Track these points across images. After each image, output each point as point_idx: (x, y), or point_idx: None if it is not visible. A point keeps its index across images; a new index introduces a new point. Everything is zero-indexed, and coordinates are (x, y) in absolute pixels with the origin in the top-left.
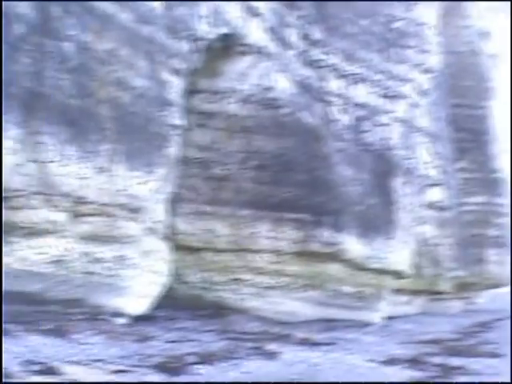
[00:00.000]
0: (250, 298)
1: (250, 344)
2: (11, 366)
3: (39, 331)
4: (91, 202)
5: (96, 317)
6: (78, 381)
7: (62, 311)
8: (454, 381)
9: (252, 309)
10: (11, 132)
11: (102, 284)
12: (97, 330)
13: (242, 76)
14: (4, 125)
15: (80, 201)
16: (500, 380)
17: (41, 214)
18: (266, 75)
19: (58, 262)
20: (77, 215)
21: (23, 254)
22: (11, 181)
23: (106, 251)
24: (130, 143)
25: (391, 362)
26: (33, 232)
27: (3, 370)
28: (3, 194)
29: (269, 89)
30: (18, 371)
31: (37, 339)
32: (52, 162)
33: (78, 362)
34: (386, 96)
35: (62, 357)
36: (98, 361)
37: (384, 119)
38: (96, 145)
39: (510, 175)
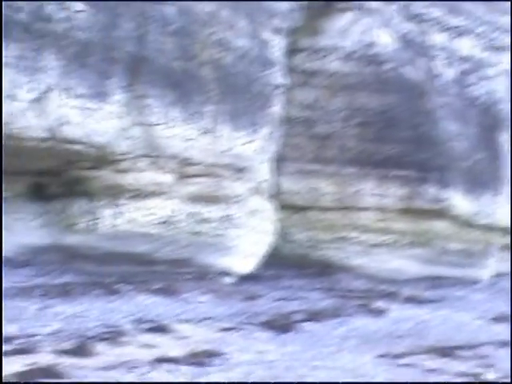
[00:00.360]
0: (355, 255)
1: (356, 302)
2: (123, 324)
3: (149, 291)
4: (197, 163)
5: (203, 276)
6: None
7: (170, 271)
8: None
9: (358, 267)
10: (116, 97)
11: (208, 244)
12: (205, 289)
13: (344, 33)
14: (109, 89)
15: (186, 162)
16: None
17: (147, 177)
18: (368, 31)
19: (165, 222)
20: (183, 176)
21: (131, 216)
22: (117, 145)
23: (212, 211)
24: (234, 104)
25: (500, 319)
26: (140, 194)
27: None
28: (110, 158)
29: (371, 45)
30: (130, 329)
31: (147, 298)
32: (157, 124)
33: (187, 321)
34: (491, 48)
35: (171, 315)
36: (207, 319)
37: (490, 72)
38: (200, 106)
39: None
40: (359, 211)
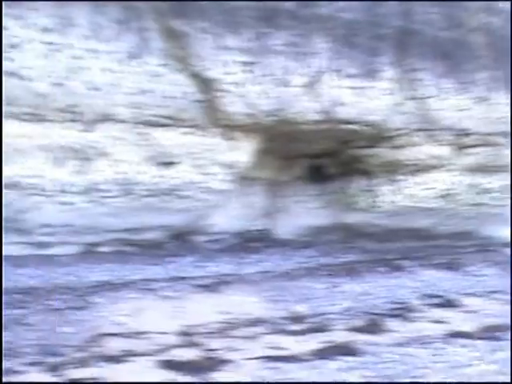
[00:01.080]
0: None
1: None
2: (410, 299)
3: (432, 265)
4: (473, 133)
5: (487, 248)
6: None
7: (452, 244)
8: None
9: None
10: (387, 73)
11: (490, 214)
12: (489, 261)
13: None
14: (379, 67)
15: (462, 133)
16: None
17: (425, 150)
18: None
19: (445, 195)
20: (460, 147)
21: (411, 191)
22: (391, 121)
23: (492, 181)
24: (505, 68)
25: None
26: (418, 168)
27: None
28: (386, 134)
29: None
30: (418, 305)
31: (431, 273)
32: (430, 97)
33: (474, 294)
34: None
35: (457, 289)
36: (494, 292)
37: None
38: (472, 74)
39: None
40: None
